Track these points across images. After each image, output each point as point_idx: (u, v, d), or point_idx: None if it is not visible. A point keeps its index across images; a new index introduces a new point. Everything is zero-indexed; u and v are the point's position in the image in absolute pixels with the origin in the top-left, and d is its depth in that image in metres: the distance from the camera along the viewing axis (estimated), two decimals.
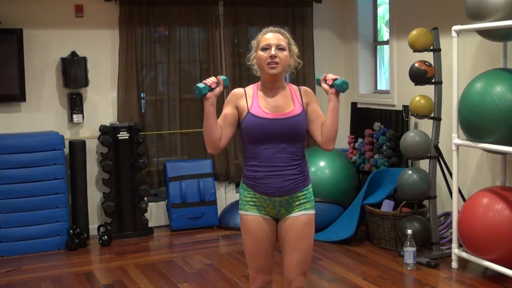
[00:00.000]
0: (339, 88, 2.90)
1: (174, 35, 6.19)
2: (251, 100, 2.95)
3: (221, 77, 2.91)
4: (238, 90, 3.00)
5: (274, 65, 2.89)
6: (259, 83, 3.01)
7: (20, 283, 4.72)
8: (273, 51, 2.89)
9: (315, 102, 3.02)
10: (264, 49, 2.91)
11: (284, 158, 2.92)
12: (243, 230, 3.05)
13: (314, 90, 3.24)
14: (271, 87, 2.97)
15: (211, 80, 2.87)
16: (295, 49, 3.00)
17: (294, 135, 2.93)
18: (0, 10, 5.56)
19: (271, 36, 2.92)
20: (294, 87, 3.04)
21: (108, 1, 5.89)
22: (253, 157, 2.96)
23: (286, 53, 2.92)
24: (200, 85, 2.85)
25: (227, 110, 2.96)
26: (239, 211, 3.05)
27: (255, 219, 2.99)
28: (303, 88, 3.05)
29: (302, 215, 2.98)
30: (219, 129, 2.92)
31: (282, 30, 2.99)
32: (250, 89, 3.00)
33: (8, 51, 5.57)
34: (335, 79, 2.91)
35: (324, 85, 2.94)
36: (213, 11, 6.25)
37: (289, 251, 3.00)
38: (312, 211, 3.02)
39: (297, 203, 2.99)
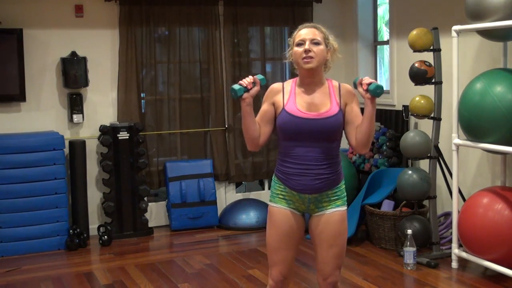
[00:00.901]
0: (373, 93, 2.79)
1: (174, 35, 6.19)
2: (288, 96, 2.94)
3: (258, 77, 2.89)
4: (276, 85, 2.99)
5: (308, 59, 2.86)
6: (298, 78, 2.99)
7: (20, 283, 4.72)
8: (307, 45, 2.86)
9: (354, 103, 2.95)
10: (299, 44, 2.89)
11: (316, 156, 2.91)
12: (268, 222, 3.03)
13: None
14: (308, 83, 2.94)
15: (247, 81, 2.87)
16: (334, 44, 2.96)
17: (327, 135, 2.91)
18: (0, 10, 5.56)
19: (306, 31, 2.90)
20: (335, 83, 2.99)
21: (108, 1, 5.89)
22: (286, 153, 2.95)
23: (321, 47, 2.89)
24: (236, 86, 2.84)
25: (264, 107, 2.97)
26: (269, 203, 3.04)
27: (283, 212, 2.98)
28: (344, 86, 2.98)
29: (334, 212, 2.97)
30: (257, 127, 2.93)
31: (318, 25, 2.96)
32: (289, 84, 2.99)
33: (8, 51, 5.57)
34: (369, 84, 2.82)
35: (360, 89, 2.86)
36: (213, 11, 6.25)
37: (325, 248, 2.98)
38: (344, 208, 3.00)
39: (327, 200, 2.97)
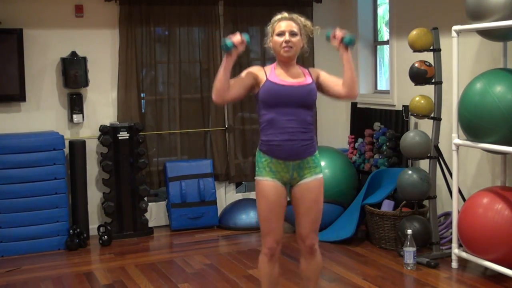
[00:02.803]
0: (349, 42, 3.26)
1: (174, 35, 6.19)
2: (269, 72, 3.37)
3: (246, 38, 3.23)
4: (258, 67, 3.45)
5: (288, 49, 3.33)
6: (276, 63, 3.43)
7: (20, 283, 4.72)
8: (287, 36, 3.32)
9: (322, 72, 3.47)
10: (279, 35, 3.34)
11: (296, 122, 3.30)
12: (258, 194, 3.39)
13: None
14: (285, 66, 3.40)
15: (238, 39, 3.18)
16: (307, 24, 3.45)
17: (305, 101, 3.32)
18: (0, 10, 5.56)
19: (286, 24, 3.36)
20: (303, 68, 3.48)
21: (108, 1, 5.89)
22: (269, 123, 3.31)
23: (298, 37, 3.36)
24: (229, 43, 3.17)
25: (244, 75, 3.35)
26: (256, 177, 3.40)
27: (270, 184, 3.34)
28: (310, 68, 3.51)
29: (313, 180, 3.38)
30: (229, 82, 3.24)
31: (294, 17, 3.43)
32: (268, 67, 3.43)
33: (8, 51, 5.57)
34: (343, 37, 3.26)
35: (334, 42, 3.30)
36: (213, 11, 6.25)
37: (305, 212, 3.40)
38: (321, 175, 3.43)
39: (307, 166, 3.37)
